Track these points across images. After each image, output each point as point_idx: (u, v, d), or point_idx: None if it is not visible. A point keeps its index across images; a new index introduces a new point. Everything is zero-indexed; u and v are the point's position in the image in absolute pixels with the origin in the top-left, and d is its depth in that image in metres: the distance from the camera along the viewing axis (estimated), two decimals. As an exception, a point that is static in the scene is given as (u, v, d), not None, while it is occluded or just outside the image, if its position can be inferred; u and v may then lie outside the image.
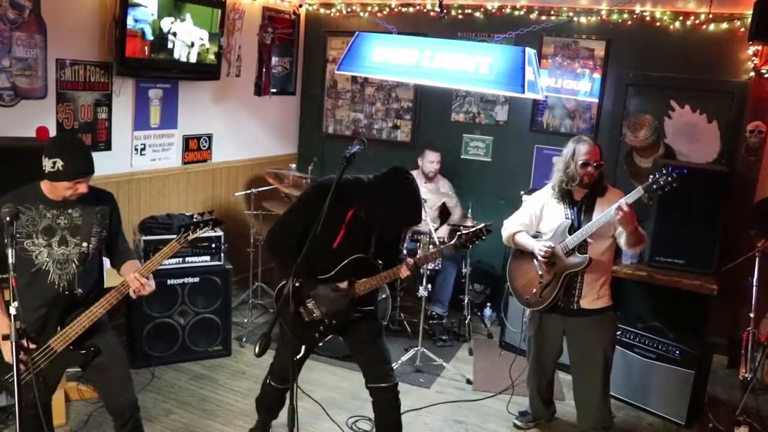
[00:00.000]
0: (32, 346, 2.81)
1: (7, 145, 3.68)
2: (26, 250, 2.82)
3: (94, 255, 2.99)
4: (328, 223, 2.99)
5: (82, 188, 2.84)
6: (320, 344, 3.53)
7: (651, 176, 3.39)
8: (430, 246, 4.90)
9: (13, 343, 2.31)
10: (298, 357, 3.31)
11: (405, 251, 4.86)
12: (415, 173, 5.69)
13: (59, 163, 2.74)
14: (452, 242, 3.38)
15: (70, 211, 2.90)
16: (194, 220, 2.97)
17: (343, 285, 3.21)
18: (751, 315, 4.07)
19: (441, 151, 5.79)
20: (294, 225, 3.15)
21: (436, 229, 5.37)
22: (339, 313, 3.23)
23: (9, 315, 2.36)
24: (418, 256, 3.41)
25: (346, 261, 3.19)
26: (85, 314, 2.85)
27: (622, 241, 3.55)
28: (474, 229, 3.35)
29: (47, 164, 2.76)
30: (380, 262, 3.27)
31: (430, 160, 5.72)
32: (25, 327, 2.74)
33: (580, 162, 3.52)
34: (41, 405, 2.80)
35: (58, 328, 2.85)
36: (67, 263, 2.89)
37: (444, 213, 5.87)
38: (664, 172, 3.33)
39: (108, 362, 2.97)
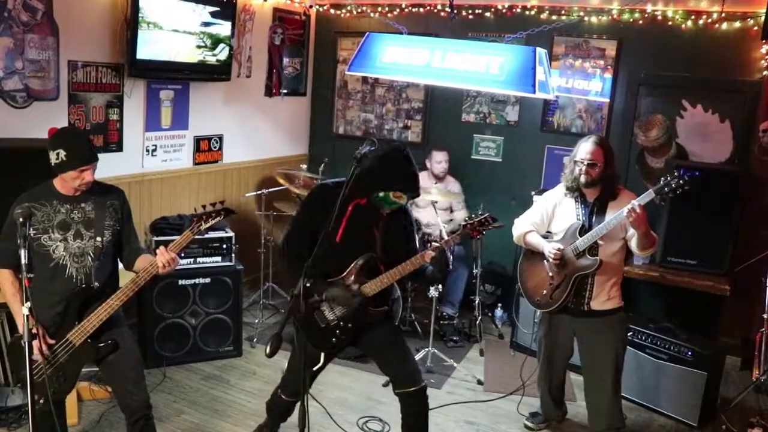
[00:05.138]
0: (51, 341, 2.89)
1: (20, 146, 3.73)
2: (43, 245, 2.90)
3: (108, 249, 3.04)
4: (331, 221, 2.99)
5: (88, 176, 2.91)
6: (338, 353, 3.47)
7: (663, 179, 3.35)
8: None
9: (26, 343, 2.34)
10: (316, 367, 3.27)
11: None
12: (424, 175, 5.73)
13: (62, 154, 2.83)
14: (459, 232, 3.24)
15: (83, 205, 2.98)
16: (205, 210, 2.99)
17: (352, 283, 3.15)
18: (765, 316, 4.04)
19: (447, 149, 5.77)
20: (303, 227, 3.20)
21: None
22: (352, 313, 3.16)
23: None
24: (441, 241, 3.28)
25: (356, 261, 3.15)
26: (102, 307, 2.90)
27: (633, 244, 3.51)
28: (478, 218, 3.22)
29: (52, 157, 2.86)
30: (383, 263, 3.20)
31: (438, 161, 5.69)
32: (38, 327, 2.79)
33: (574, 159, 3.55)
34: (58, 402, 2.84)
35: (76, 322, 2.91)
36: (83, 256, 2.96)
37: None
38: (675, 174, 3.29)
39: (122, 359, 3.02)
